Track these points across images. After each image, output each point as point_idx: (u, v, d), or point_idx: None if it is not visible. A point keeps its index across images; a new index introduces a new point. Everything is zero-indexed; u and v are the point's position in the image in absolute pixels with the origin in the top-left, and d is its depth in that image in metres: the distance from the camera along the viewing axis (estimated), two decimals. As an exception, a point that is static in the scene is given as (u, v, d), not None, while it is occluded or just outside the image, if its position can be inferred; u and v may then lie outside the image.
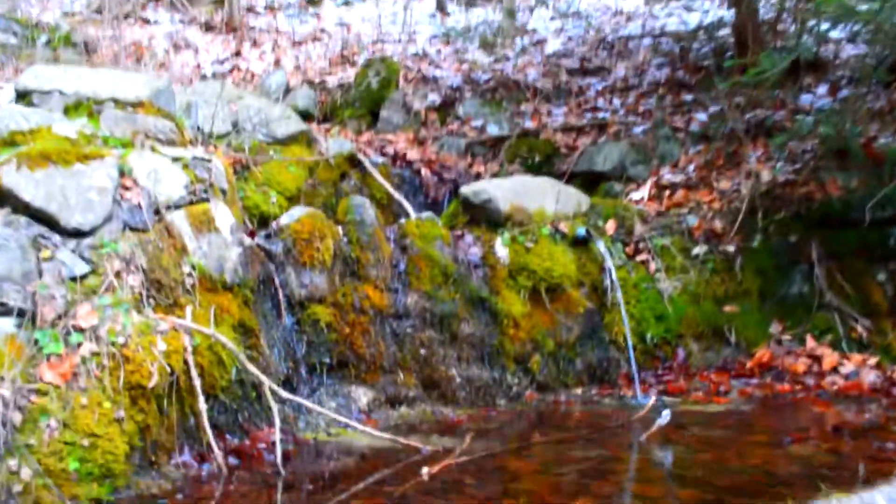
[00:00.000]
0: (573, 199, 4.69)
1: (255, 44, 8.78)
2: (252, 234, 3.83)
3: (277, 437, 2.95)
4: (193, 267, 3.22)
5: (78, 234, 2.86)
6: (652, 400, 3.83)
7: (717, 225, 4.82)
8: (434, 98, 6.87)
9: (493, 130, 6.42)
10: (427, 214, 4.36)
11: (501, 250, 4.31)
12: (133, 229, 3.07)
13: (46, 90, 3.81)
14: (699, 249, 4.76)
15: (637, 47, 7.45)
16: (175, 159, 3.55)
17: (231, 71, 8.04)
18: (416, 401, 3.95)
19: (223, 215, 3.54)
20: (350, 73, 7.48)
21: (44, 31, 8.57)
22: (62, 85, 3.82)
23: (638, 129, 5.89)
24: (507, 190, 4.50)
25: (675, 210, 4.95)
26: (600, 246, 4.45)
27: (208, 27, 9.34)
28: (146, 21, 9.54)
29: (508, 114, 6.65)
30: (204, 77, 8.09)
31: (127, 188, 3.13)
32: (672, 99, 6.34)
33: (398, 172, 5.60)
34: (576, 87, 6.94)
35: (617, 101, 6.51)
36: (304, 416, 3.58)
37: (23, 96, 3.85)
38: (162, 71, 8.41)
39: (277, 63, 7.90)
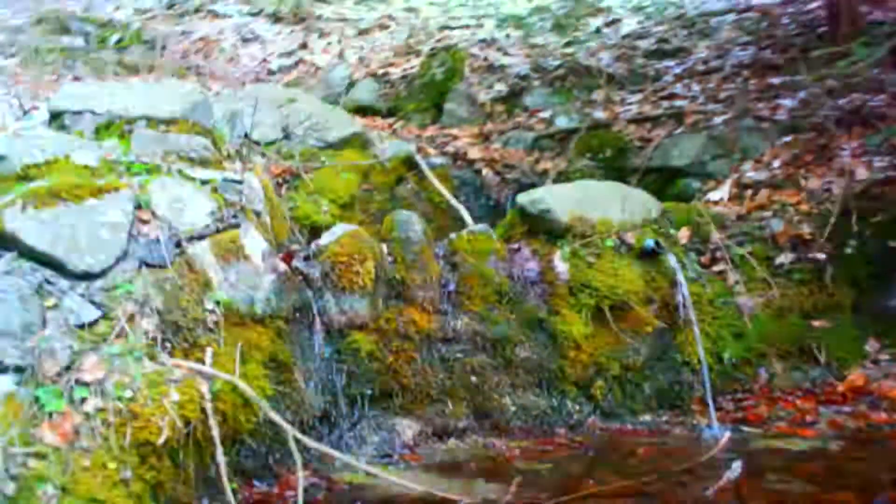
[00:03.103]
0: (642, 204, 4.29)
1: (321, 35, 8.59)
2: (290, 257, 3.61)
3: (300, 493, 2.72)
4: (217, 303, 3.02)
5: (88, 276, 2.69)
6: (725, 437, 3.44)
7: (805, 230, 4.34)
8: (500, 88, 6.52)
9: (561, 123, 6.03)
10: (480, 227, 4.06)
11: (561, 265, 3.97)
12: (150, 266, 2.89)
13: (77, 110, 3.67)
14: (784, 258, 4.29)
15: (720, 24, 6.88)
16: (204, 182, 3.36)
17: (296, 65, 7.88)
18: (467, 432, 3.69)
19: (254, 241, 3.33)
20: (415, 64, 7.20)
21: (116, 29, 8.61)
22: (94, 104, 3.68)
23: (718, 120, 5.40)
24: (567, 197, 4.15)
25: (758, 213, 4.48)
26: (671, 259, 4.05)
27: (277, 18, 9.21)
28: (216, 14, 9.48)
29: (579, 103, 6.24)
30: (270, 72, 7.97)
31: (144, 221, 2.95)
32: (757, 83, 5.80)
33: (458, 174, 5.31)
34: (652, 71, 6.46)
35: (696, 87, 6.00)
36: (343, 452, 3.36)
37: (56, 117, 3.73)
38: (231, 65, 8.34)
39: (341, 55, 7.68)
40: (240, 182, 3.49)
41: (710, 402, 3.87)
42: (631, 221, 4.20)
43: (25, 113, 3.89)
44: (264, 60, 8.19)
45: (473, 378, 3.72)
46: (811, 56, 5.71)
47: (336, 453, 2.93)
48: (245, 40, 8.66)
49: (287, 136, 4.96)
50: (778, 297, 4.22)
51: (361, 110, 6.87)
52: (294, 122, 4.99)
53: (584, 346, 3.90)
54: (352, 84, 7.12)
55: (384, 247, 3.80)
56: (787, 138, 4.98)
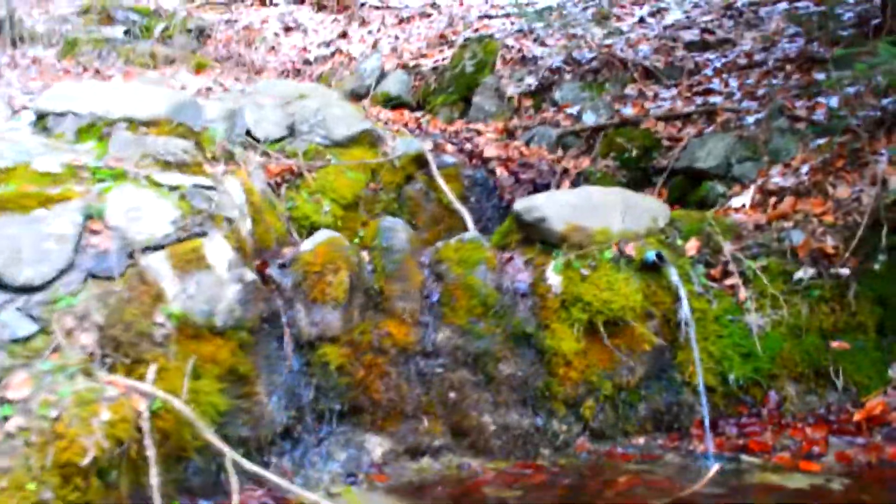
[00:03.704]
0: (647, 213, 4.03)
1: (362, 23, 8.49)
2: (265, 265, 3.52)
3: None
4: (169, 315, 2.95)
5: (27, 289, 2.66)
6: (713, 470, 3.20)
7: (829, 242, 4.01)
8: (530, 81, 6.29)
9: (588, 119, 5.78)
10: (471, 234, 3.89)
11: (553, 277, 3.77)
12: (97, 278, 2.84)
13: (60, 112, 3.66)
14: (803, 273, 3.97)
15: (770, 14, 6.46)
16: (172, 188, 3.29)
17: (332, 55, 7.80)
18: (442, 451, 3.54)
19: (220, 250, 3.25)
20: (447, 55, 7.02)
21: (162, 19, 8.69)
22: (76, 106, 3.66)
23: (750, 119, 5.06)
24: (565, 205, 3.93)
25: (778, 223, 4.16)
26: (672, 272, 3.80)
27: (321, 6, 9.15)
28: (263, 2, 9.49)
29: (609, 98, 5.96)
30: (307, 62, 7.92)
31: (95, 232, 2.89)
32: (800, 78, 5.42)
33: (470, 174, 5.12)
34: (691, 64, 6.13)
35: (734, 82, 5.65)
36: (306, 470, 3.27)
37: (41, 118, 3.72)
38: (271, 55, 8.33)
39: (374, 46, 7.56)
40: (211, 188, 3.42)
41: (707, 427, 3.62)
42: (634, 231, 3.95)
43: (15, 113, 3.90)
44: (303, 50, 8.14)
45: (452, 394, 3.57)
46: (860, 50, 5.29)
47: (273, 477, 2.82)
48: (287, 29, 8.64)
49: (293, 134, 4.87)
50: (794, 315, 3.92)
51: (390, 103, 6.75)
52: (300, 119, 4.89)
53: (574, 362, 3.70)
54: (383, 75, 6.99)
55: (365, 255, 3.68)
56: (823, 140, 4.62)
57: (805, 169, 4.43)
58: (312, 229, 4.50)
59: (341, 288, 3.42)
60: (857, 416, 3.71)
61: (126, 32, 8.17)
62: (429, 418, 3.54)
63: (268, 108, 4.82)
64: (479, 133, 5.93)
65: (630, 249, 3.85)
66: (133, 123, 3.62)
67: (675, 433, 3.79)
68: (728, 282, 3.99)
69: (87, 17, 8.16)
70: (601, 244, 3.85)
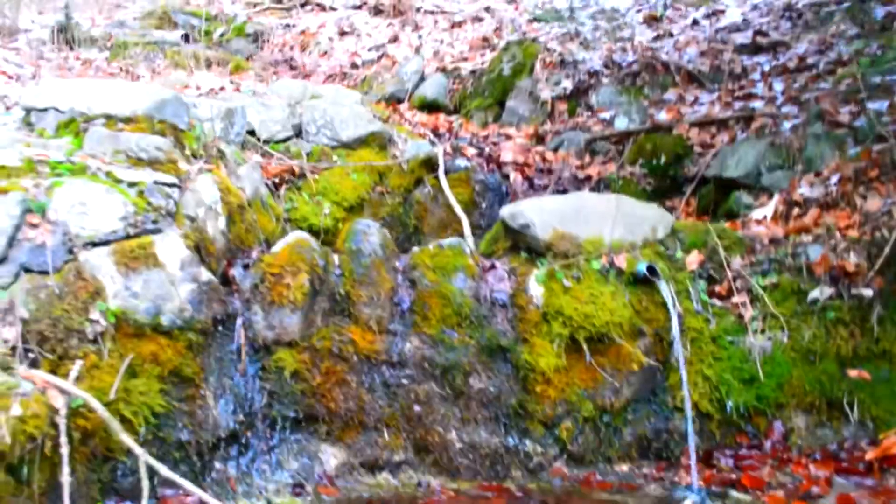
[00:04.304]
0: (645, 222, 3.75)
1: (415, 28, 8.40)
2: (230, 265, 3.44)
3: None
4: (104, 312, 2.89)
5: (-49, 282, 2.64)
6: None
7: (851, 260, 3.62)
8: (566, 85, 6.04)
9: (620, 124, 5.50)
10: (451, 240, 3.69)
11: (535, 288, 3.54)
12: (32, 272, 2.80)
13: (43, 108, 3.68)
14: (819, 293, 3.60)
15: (830, 16, 5.99)
16: (131, 184, 3.24)
17: (379, 59, 7.74)
18: (403, 467, 3.35)
19: (173, 248, 3.17)
20: (488, 59, 6.84)
21: (221, 23, 8.85)
22: (59, 101, 3.67)
23: (787, 125, 4.67)
24: (553, 212, 3.69)
25: (797, 237, 3.80)
26: (663, 287, 3.50)
27: (378, 10, 9.12)
28: (322, 7, 9.54)
29: (646, 103, 5.65)
30: (354, 66, 7.89)
31: (34, 226, 2.86)
32: (851, 82, 4.97)
33: (482, 178, 4.93)
34: (739, 68, 5.75)
35: (779, 86, 5.25)
36: (252, 478, 3.15)
37: (28, 114, 3.76)
38: (323, 59, 8.35)
39: (417, 50, 7.44)
40: (174, 185, 3.35)
41: (693, 457, 3.30)
42: (629, 241, 3.68)
43: (7, 109, 3.96)
44: (354, 54, 8.11)
45: (417, 407, 3.38)
46: None
47: (186, 483, 2.70)
48: (342, 33, 8.64)
49: (300, 135, 4.80)
50: (807, 339, 3.56)
51: (427, 107, 6.62)
52: (308, 119, 4.82)
53: (553, 380, 3.45)
54: (422, 79, 6.86)
55: (336, 258, 3.54)
56: (859, 149, 4.21)
57: (835, 179, 4.03)
58: (312, 231, 4.43)
59: (300, 291, 3.29)
60: (869, 455, 3.32)
61: (185, 36, 8.33)
62: (390, 431, 3.36)
63: (276, 109, 4.77)
64: (508, 137, 5.73)
65: (620, 261, 3.58)
66: (112, 120, 3.60)
67: (662, 462, 3.50)
68: (735, 300, 3.66)
69: (149, 21, 8.38)
70: (590, 254, 3.59)
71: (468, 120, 6.28)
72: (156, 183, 3.30)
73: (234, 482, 3.10)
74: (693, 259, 3.69)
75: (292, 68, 8.18)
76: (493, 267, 3.66)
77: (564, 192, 4.89)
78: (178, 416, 3.03)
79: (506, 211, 3.76)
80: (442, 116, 6.39)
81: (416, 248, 3.65)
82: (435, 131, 5.85)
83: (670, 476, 3.39)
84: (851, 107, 4.64)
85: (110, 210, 3.07)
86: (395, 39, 8.17)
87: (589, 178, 5.06)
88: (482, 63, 6.75)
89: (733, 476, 3.32)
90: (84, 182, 3.11)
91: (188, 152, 3.74)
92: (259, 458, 3.21)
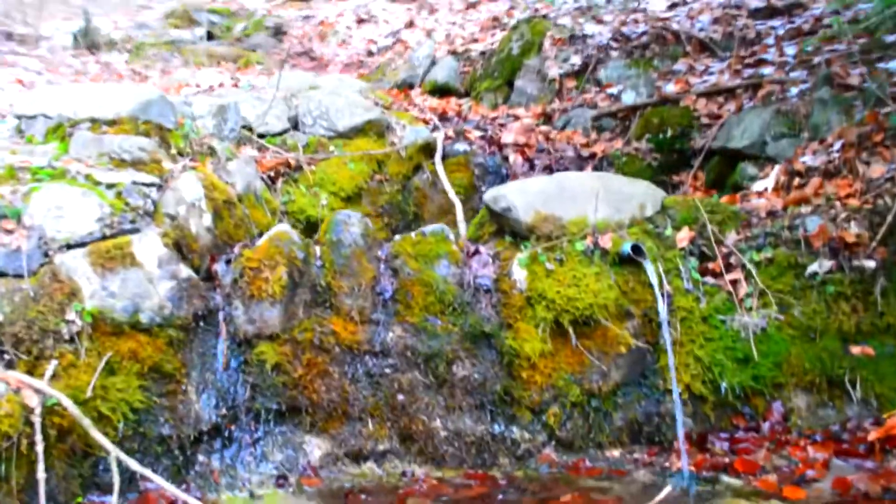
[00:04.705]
0: (633, 200, 3.65)
1: (431, 11, 8.34)
2: (214, 260, 3.47)
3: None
4: (81, 312, 2.94)
5: (-76, 289, 2.72)
6: (663, 493, 2.83)
7: (852, 231, 3.47)
8: (574, 61, 5.92)
9: (627, 98, 5.37)
10: (434, 227, 3.65)
11: (518, 272, 3.48)
12: (6, 276, 2.87)
13: (32, 115, 3.76)
14: (818, 266, 3.46)
15: (851, -28, 5.72)
16: (109, 186, 3.29)
17: (393, 45, 7.70)
18: (387, 456, 3.34)
19: (151, 247, 3.21)
20: (498, 39, 6.74)
21: (241, 18, 8.92)
22: (48, 108, 3.74)
23: (795, 91, 4.49)
24: (537, 194, 3.62)
25: (795, 209, 3.65)
26: (648, 266, 3.41)
27: (396, -3, 9.07)
28: (342, -4, 9.53)
29: (655, 75, 5.50)
30: (370, 53, 7.87)
31: (8, 231, 2.93)
32: (867, 42, 4.74)
33: (480, 162, 4.87)
34: (752, 33, 5.54)
35: (791, 50, 5.05)
36: (236, 470, 3.18)
37: (20, 121, 3.85)
38: (342, 48, 8.35)
39: (429, 34, 7.38)
40: (154, 185, 3.39)
41: (682, 441, 3.21)
42: (616, 220, 3.59)
43: (3, 118, 4.06)
44: (371, 41, 8.09)
45: (401, 396, 3.36)
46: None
47: (157, 478, 2.74)
48: (360, 21, 8.62)
49: (296, 127, 4.81)
50: (805, 315, 3.43)
51: (438, 91, 6.57)
52: (304, 111, 4.82)
53: (539, 365, 3.40)
54: (434, 63, 6.81)
55: (318, 250, 3.54)
56: (866, 113, 4.02)
57: (838, 146, 3.86)
58: (310, 223, 4.45)
59: (279, 284, 3.30)
60: (872, 435, 3.18)
61: (207, 34, 8.43)
62: (374, 421, 3.36)
63: (272, 102, 4.78)
64: (516, 118, 5.65)
65: (605, 241, 3.49)
66: (97, 123, 3.66)
67: (655, 447, 3.42)
68: (729, 276, 3.54)
69: (170, 20, 8.49)
70: (574, 235, 3.52)
71: (478, 102, 6.21)
72: (134, 183, 3.34)
73: (217, 475, 3.14)
74: (683, 236, 3.58)
75: (312, 59, 8.21)
76: (477, 252, 3.61)
77: (566, 171, 4.79)
78: (158, 411, 3.08)
79: (489, 195, 3.70)
80: (452, 100, 6.33)
81: (397, 237, 3.62)
82: (444, 115, 5.80)
83: (661, 461, 3.31)
84: (861, 68, 4.43)
85: (86, 212, 3.12)
86: (410, 24, 8.12)
87: (593, 155, 4.96)
88: (492, 44, 6.66)
89: (726, 460, 3.22)
90: (61, 186, 3.17)
91: (174, 151, 3.78)
92: (244, 451, 3.24)
